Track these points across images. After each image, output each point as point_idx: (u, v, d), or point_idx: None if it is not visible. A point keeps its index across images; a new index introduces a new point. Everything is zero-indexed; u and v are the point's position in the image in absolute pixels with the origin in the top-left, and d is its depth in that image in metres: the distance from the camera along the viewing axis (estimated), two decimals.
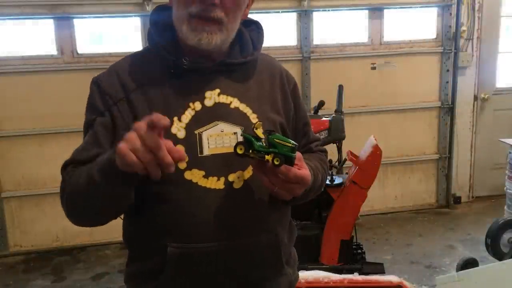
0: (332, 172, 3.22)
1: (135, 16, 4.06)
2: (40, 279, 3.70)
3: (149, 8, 3.95)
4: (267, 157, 1.06)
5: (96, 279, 3.67)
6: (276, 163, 1.06)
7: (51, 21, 3.93)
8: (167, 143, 0.96)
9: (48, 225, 4.13)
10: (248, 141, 1.07)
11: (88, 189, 1.08)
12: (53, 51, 3.99)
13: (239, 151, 1.06)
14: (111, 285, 3.57)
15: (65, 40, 3.97)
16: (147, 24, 4.81)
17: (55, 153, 4.00)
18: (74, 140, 3.96)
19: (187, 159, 1.12)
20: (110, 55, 4.02)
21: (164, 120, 0.94)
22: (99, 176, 1.05)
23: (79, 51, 4.01)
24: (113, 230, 4.02)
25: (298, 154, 1.12)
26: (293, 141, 1.08)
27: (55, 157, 3.98)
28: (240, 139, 1.14)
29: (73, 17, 3.94)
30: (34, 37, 4.00)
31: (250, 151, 1.06)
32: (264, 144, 1.07)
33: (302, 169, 1.13)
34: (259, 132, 1.08)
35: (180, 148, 1.14)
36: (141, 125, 0.95)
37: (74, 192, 1.14)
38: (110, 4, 3.98)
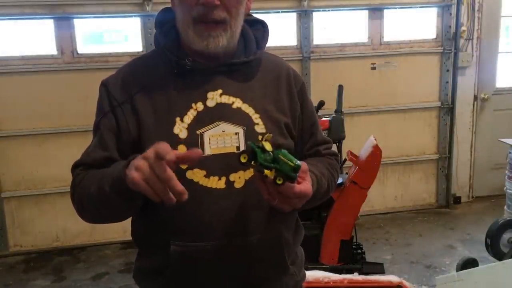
0: None
1: (135, 16, 4.06)
2: (40, 279, 3.70)
3: (149, 8, 3.95)
4: (266, 171, 1.04)
5: (96, 279, 3.67)
6: (279, 182, 1.04)
7: (51, 21, 3.93)
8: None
9: (48, 225, 4.13)
10: (253, 151, 1.05)
11: (99, 200, 1.12)
12: (53, 51, 3.98)
13: (242, 160, 1.05)
14: (111, 285, 3.57)
15: (65, 40, 3.96)
16: (147, 24, 4.78)
17: (55, 153, 4.02)
18: (74, 140, 4.00)
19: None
20: (110, 55, 4.02)
21: (169, 155, 0.95)
22: (110, 191, 1.08)
23: (79, 51, 4.00)
24: (113, 230, 4.07)
25: (303, 166, 1.10)
26: (298, 161, 1.06)
27: (55, 157, 3.99)
28: (242, 140, 1.13)
29: (73, 17, 3.94)
30: (34, 37, 3.99)
31: (252, 162, 1.05)
32: (269, 157, 1.05)
33: (304, 182, 1.10)
34: (268, 144, 1.06)
35: (182, 148, 1.16)
36: (150, 155, 0.96)
37: (84, 199, 1.17)
38: (110, 4, 3.97)
